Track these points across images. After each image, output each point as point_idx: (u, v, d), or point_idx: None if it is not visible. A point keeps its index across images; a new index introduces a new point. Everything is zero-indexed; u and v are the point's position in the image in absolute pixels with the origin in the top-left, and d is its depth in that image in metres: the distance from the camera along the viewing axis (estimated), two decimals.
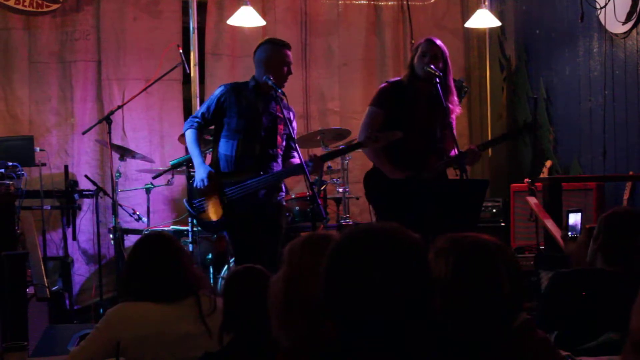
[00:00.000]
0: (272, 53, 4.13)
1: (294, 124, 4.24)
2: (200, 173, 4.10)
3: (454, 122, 4.21)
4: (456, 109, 4.21)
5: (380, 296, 1.39)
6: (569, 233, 3.77)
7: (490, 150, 6.89)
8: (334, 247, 1.47)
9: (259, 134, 4.13)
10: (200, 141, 4.23)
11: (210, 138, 4.44)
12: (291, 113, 4.27)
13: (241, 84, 4.24)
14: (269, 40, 4.24)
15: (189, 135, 4.18)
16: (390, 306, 1.39)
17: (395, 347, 1.39)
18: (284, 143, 4.22)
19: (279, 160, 4.22)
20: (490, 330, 1.69)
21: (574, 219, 3.81)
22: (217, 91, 4.20)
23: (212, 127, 4.27)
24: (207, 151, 4.65)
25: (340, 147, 4.85)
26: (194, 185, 4.14)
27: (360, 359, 1.40)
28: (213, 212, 4.12)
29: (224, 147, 4.15)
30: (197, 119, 4.20)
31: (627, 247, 2.58)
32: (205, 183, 4.08)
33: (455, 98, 4.21)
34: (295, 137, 4.15)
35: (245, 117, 4.11)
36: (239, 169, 4.11)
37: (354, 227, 1.55)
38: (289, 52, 4.17)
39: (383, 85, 4.30)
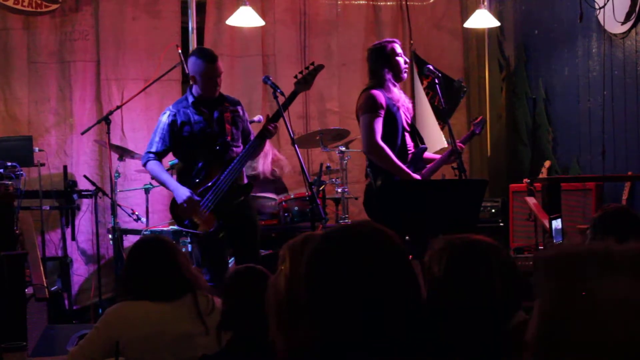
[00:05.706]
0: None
1: (245, 115, 4.45)
2: (181, 194, 4.19)
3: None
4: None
5: (360, 296, 1.39)
6: (554, 240, 3.78)
7: (489, 150, 6.90)
8: (312, 249, 1.47)
9: (214, 140, 4.26)
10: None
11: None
12: (238, 107, 4.41)
13: (181, 100, 4.40)
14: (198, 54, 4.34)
15: (153, 166, 4.33)
16: (370, 305, 1.38)
17: (378, 348, 1.38)
18: (240, 140, 4.36)
19: (237, 149, 4.33)
20: (483, 330, 1.68)
21: (556, 225, 3.83)
22: (164, 117, 4.34)
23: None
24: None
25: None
26: (178, 207, 4.23)
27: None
28: (204, 223, 4.21)
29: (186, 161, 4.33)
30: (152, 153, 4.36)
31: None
32: (192, 198, 4.17)
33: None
34: (248, 122, 4.48)
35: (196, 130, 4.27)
36: (204, 175, 4.25)
37: (331, 228, 1.55)
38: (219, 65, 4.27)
39: (373, 92, 4.28)
